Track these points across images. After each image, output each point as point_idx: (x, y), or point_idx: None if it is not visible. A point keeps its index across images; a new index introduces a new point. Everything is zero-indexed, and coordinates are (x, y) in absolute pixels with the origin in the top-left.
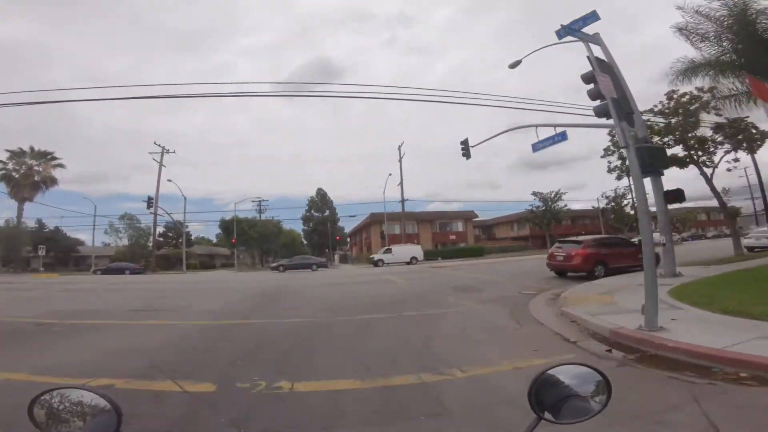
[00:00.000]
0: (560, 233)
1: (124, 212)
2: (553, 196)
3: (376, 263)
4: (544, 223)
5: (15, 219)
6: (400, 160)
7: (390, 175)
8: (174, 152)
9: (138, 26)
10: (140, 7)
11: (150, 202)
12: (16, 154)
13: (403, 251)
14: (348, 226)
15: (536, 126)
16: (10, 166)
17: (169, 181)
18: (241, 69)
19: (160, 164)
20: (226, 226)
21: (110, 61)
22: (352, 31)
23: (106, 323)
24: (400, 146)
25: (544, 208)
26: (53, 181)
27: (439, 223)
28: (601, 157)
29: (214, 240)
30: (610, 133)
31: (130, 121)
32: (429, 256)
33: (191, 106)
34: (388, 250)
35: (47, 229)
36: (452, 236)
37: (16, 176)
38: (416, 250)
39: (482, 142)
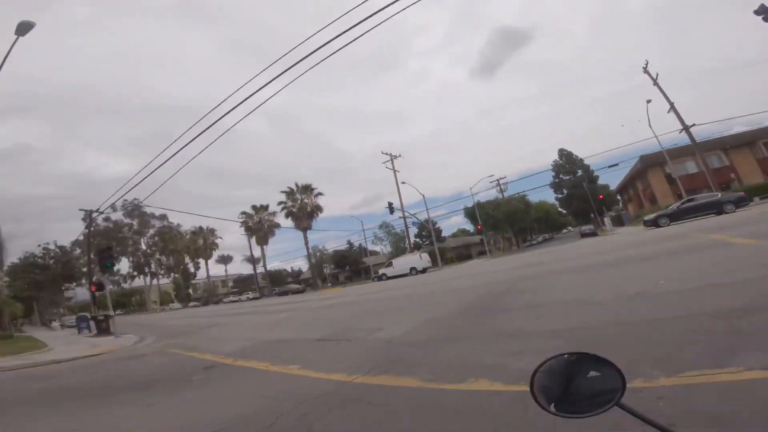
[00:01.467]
0: None
1: (382, 221)
2: None
3: (380, 278)
4: None
5: (322, 246)
6: (655, 83)
7: (649, 101)
8: (400, 156)
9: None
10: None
11: (391, 207)
12: (289, 193)
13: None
14: (613, 181)
15: None
16: (289, 203)
17: (403, 183)
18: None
19: (394, 170)
20: (471, 213)
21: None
22: None
23: (254, 367)
24: (645, 67)
25: None
26: (320, 209)
27: (764, 143)
28: None
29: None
30: None
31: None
32: (763, 192)
33: (413, 117)
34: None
35: (354, 248)
36: None
37: (295, 210)
38: (415, 260)
39: None
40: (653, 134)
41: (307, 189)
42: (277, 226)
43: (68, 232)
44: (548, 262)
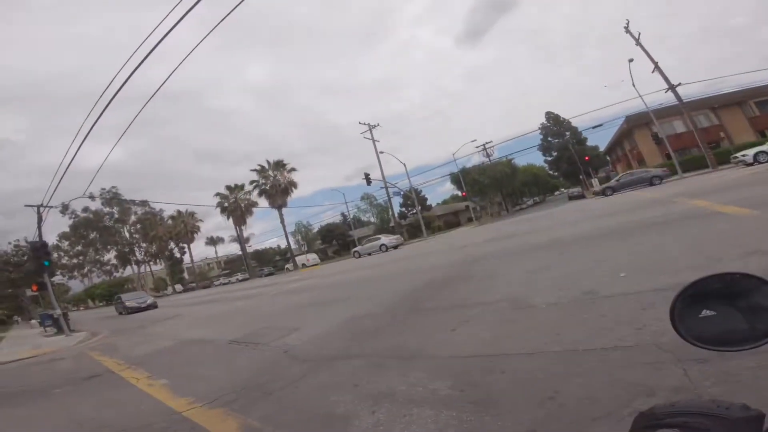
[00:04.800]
0: None
1: (363, 193)
2: None
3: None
4: None
5: (306, 222)
6: (638, 43)
7: (631, 60)
8: (379, 125)
9: None
10: None
11: (368, 178)
12: (261, 171)
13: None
14: (602, 142)
15: None
16: (261, 181)
17: (382, 153)
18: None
19: (372, 140)
20: (457, 179)
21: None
22: None
23: (128, 380)
24: (626, 26)
25: None
26: (294, 185)
27: (754, 103)
28: None
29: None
30: None
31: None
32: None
33: (402, 87)
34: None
35: (348, 220)
36: None
37: (267, 188)
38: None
39: None
40: (637, 94)
41: (279, 165)
42: (255, 204)
43: (51, 225)
44: (521, 234)
